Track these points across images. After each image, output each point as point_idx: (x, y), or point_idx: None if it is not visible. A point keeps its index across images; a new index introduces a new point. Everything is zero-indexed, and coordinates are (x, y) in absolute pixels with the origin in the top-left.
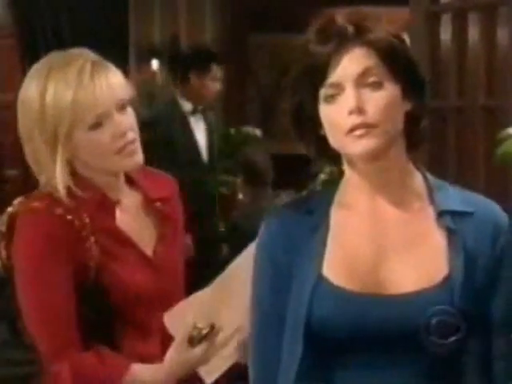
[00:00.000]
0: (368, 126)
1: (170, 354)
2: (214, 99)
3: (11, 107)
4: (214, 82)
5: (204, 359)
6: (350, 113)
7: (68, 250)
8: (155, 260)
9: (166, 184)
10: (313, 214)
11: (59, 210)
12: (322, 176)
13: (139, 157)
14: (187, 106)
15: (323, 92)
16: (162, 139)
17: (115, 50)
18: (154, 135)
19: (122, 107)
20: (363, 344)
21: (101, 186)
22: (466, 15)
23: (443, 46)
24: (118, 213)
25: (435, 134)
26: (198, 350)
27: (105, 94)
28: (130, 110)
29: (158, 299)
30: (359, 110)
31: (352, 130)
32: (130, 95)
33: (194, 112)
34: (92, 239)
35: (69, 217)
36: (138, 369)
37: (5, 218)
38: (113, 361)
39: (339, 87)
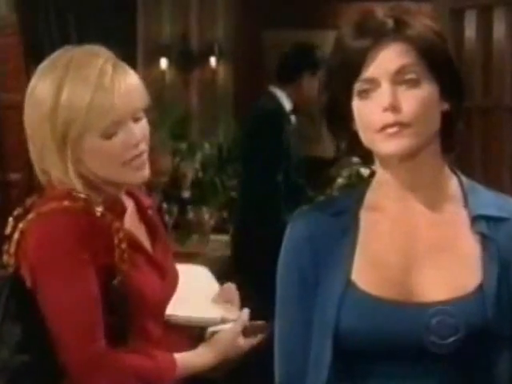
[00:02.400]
0: (401, 125)
1: (226, 339)
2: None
3: (15, 107)
4: (317, 84)
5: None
6: (384, 110)
7: (101, 251)
8: (162, 266)
9: (143, 193)
10: (342, 215)
11: (98, 211)
12: (340, 180)
13: (146, 171)
14: (288, 105)
15: (357, 87)
16: (271, 139)
17: (123, 48)
18: (261, 135)
19: (137, 117)
20: (392, 352)
21: (107, 191)
22: (491, 11)
23: (467, 43)
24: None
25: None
26: (249, 342)
27: (123, 102)
28: (144, 121)
29: (165, 307)
30: (394, 108)
31: (384, 127)
32: (147, 103)
33: (293, 112)
34: (125, 243)
35: (106, 217)
36: (186, 357)
37: (24, 221)
38: (159, 356)
39: (374, 83)
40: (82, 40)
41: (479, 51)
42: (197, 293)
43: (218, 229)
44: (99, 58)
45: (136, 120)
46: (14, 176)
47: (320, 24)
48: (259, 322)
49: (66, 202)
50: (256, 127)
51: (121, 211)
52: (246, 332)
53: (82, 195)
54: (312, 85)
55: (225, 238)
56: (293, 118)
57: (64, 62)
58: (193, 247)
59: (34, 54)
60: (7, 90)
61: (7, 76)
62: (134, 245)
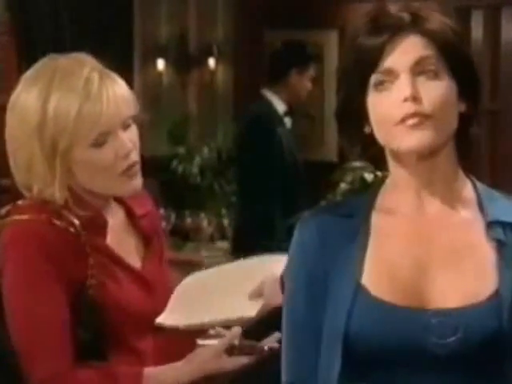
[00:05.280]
0: (422, 116)
1: (204, 356)
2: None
3: (6, 109)
4: (309, 82)
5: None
6: (405, 100)
7: (69, 265)
8: (147, 278)
9: (144, 199)
10: (352, 217)
11: (63, 223)
12: (343, 185)
13: (139, 181)
14: (281, 106)
15: (374, 78)
16: (264, 141)
17: (118, 49)
18: (253, 137)
19: (127, 124)
20: (401, 359)
21: (92, 203)
22: (499, 11)
23: (474, 44)
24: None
25: None
26: (234, 361)
27: (111, 111)
28: (134, 127)
29: (151, 320)
30: (414, 98)
31: (404, 119)
32: (136, 110)
33: (287, 114)
34: (94, 256)
35: (72, 230)
36: (159, 371)
37: None
38: (122, 374)
39: (392, 74)
40: (76, 40)
41: (486, 52)
42: (230, 292)
43: (217, 235)
44: (85, 67)
45: (125, 128)
46: (5, 181)
47: (321, 24)
48: (250, 342)
49: (30, 215)
50: (246, 133)
51: (101, 225)
52: (232, 351)
53: (55, 207)
54: (301, 83)
55: (224, 244)
56: (287, 121)
57: (49, 71)
58: (190, 254)
59: (27, 55)
60: None
61: None
62: (113, 258)
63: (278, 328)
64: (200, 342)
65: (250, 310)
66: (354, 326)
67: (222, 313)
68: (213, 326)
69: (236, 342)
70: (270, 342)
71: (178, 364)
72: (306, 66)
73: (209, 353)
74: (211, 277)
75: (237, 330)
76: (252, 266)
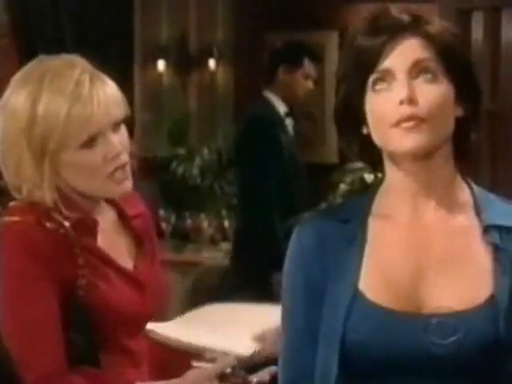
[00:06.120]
0: (418, 119)
1: (197, 378)
2: (305, 99)
3: None
4: (306, 80)
5: None
6: (401, 103)
7: (58, 266)
8: (139, 279)
9: (136, 199)
10: (349, 222)
11: (52, 224)
12: (343, 186)
13: (129, 183)
14: (282, 107)
15: (372, 79)
16: (266, 141)
17: (119, 50)
18: (254, 137)
19: (117, 126)
20: (399, 365)
21: (81, 204)
22: (499, 12)
23: (474, 45)
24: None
25: None
26: None
27: (101, 112)
28: (123, 128)
29: (143, 321)
30: (410, 101)
31: (400, 121)
32: (126, 112)
33: (288, 115)
34: (84, 257)
35: (61, 231)
36: None
37: None
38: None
39: (390, 75)
40: (77, 42)
41: (486, 54)
42: (235, 327)
43: (218, 237)
44: (75, 69)
45: (115, 130)
46: (1, 182)
47: (322, 25)
48: (241, 373)
49: (19, 217)
50: (246, 134)
51: (91, 226)
52: (223, 377)
53: (44, 209)
54: (292, 80)
55: (225, 246)
56: (289, 122)
57: (39, 73)
58: (191, 256)
59: (28, 57)
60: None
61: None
62: (104, 259)
63: (276, 363)
64: (195, 363)
65: (246, 349)
66: (351, 331)
67: (218, 343)
68: (203, 352)
69: (228, 370)
70: (261, 376)
71: (171, 382)
72: (295, 63)
73: (202, 375)
74: (227, 308)
75: (232, 357)
76: (268, 312)
